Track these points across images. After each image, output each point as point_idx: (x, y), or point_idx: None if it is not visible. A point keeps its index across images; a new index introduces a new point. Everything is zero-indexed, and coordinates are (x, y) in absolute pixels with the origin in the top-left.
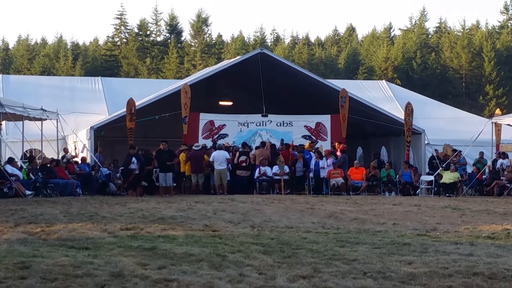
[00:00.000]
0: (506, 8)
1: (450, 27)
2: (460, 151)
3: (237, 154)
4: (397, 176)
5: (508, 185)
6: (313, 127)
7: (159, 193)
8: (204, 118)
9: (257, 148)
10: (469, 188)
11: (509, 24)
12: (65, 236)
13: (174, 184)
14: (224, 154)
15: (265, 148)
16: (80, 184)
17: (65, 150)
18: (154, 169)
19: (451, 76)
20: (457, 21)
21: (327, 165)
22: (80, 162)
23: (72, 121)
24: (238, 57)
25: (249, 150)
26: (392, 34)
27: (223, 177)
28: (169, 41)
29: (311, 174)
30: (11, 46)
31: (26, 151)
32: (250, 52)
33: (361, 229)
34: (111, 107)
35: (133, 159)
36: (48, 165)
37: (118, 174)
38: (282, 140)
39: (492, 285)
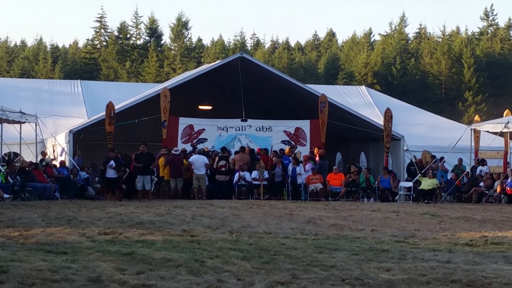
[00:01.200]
0: (487, 15)
1: (430, 32)
2: (443, 157)
3: (217, 158)
4: (376, 182)
5: (487, 192)
6: (293, 132)
7: (137, 197)
8: (184, 122)
9: (236, 153)
10: (447, 194)
11: (489, 31)
12: (43, 240)
13: (153, 190)
14: (203, 159)
15: (245, 153)
16: (58, 188)
17: (43, 154)
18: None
19: (430, 82)
20: (437, 27)
21: (306, 170)
22: (58, 165)
23: (51, 124)
24: (218, 61)
25: (228, 155)
26: (372, 40)
27: (202, 182)
28: (149, 44)
29: (289, 180)
30: None
31: (5, 154)
32: (230, 56)
33: (339, 235)
34: (90, 111)
35: (112, 162)
36: (27, 169)
37: (96, 178)
38: (271, 147)
39: None
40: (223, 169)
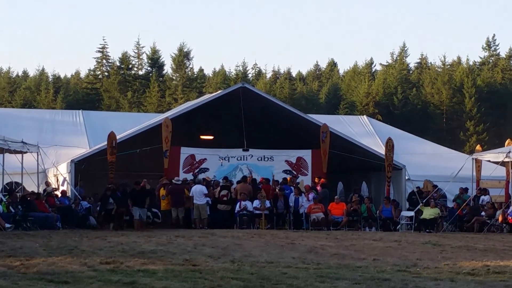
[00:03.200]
0: (488, 45)
1: (431, 62)
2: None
3: (219, 188)
4: (378, 212)
5: (488, 221)
6: (294, 162)
7: (134, 227)
8: (185, 152)
9: (238, 182)
10: (449, 224)
11: (491, 61)
12: (44, 270)
13: (159, 220)
14: (201, 188)
15: (247, 182)
16: (60, 217)
17: (47, 184)
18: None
19: (432, 111)
20: (438, 57)
21: (309, 200)
22: (60, 195)
23: (53, 154)
24: (219, 91)
25: (230, 184)
26: (374, 69)
27: (202, 212)
28: (150, 74)
29: (290, 209)
30: None
31: (6, 184)
32: (231, 86)
33: (341, 265)
34: (92, 140)
35: (110, 200)
36: (28, 198)
37: (98, 208)
38: (273, 176)
39: None
40: (225, 198)
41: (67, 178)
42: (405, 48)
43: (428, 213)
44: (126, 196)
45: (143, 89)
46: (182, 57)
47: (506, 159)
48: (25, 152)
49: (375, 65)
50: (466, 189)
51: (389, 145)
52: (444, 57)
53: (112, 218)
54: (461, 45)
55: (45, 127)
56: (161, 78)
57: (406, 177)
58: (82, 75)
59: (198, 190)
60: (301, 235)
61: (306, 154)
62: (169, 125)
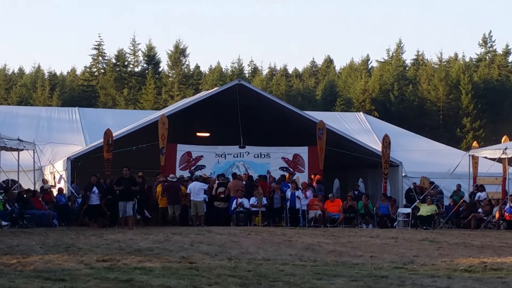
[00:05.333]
0: (485, 41)
1: (427, 59)
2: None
3: (215, 185)
4: (375, 209)
5: (485, 218)
6: (291, 158)
7: (118, 224)
8: (182, 149)
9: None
10: (446, 221)
11: (487, 57)
12: (41, 268)
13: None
14: (200, 185)
15: (238, 179)
16: (56, 215)
17: (44, 181)
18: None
19: (428, 108)
20: (434, 54)
21: (307, 197)
22: (56, 193)
23: (49, 151)
24: (215, 88)
25: (227, 181)
26: (370, 66)
27: (199, 209)
28: (146, 71)
29: (287, 205)
30: None
31: (3, 181)
32: (227, 83)
33: (338, 262)
34: (88, 138)
35: (94, 188)
36: (25, 196)
37: (76, 204)
38: (268, 172)
39: None
40: (222, 195)
41: (64, 176)
42: (402, 45)
43: (425, 210)
44: (111, 187)
45: (139, 86)
46: (178, 54)
47: (503, 156)
48: (21, 150)
49: (371, 62)
50: (459, 186)
51: (386, 141)
52: (441, 53)
53: (94, 214)
54: (457, 41)
55: (41, 125)
56: (157, 75)
57: (403, 174)
58: (78, 72)
59: (196, 187)
60: (298, 232)
61: (303, 151)
62: (166, 122)
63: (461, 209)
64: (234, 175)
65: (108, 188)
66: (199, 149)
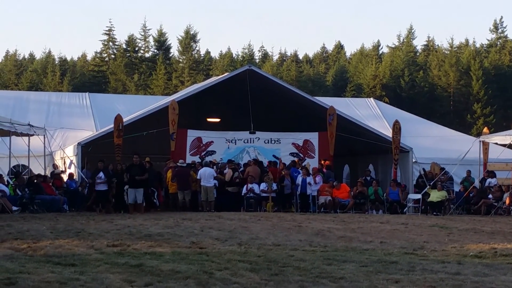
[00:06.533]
0: (496, 27)
1: (438, 45)
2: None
3: (229, 171)
4: (385, 194)
5: (496, 204)
6: (301, 144)
7: (129, 210)
8: (192, 134)
9: (245, 165)
10: (456, 207)
11: (498, 43)
12: (51, 252)
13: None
14: (211, 171)
15: (256, 165)
16: (67, 200)
17: (54, 166)
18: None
19: (439, 94)
20: (445, 39)
21: (316, 183)
22: (67, 178)
23: (60, 136)
24: (226, 74)
25: (237, 167)
26: (380, 52)
27: (210, 194)
28: (157, 57)
29: (297, 192)
30: None
31: (13, 166)
32: (238, 68)
33: (348, 247)
34: (99, 123)
35: (101, 174)
36: (35, 181)
37: (85, 189)
38: (279, 159)
39: None
40: (237, 180)
41: (74, 161)
42: (412, 30)
43: (435, 195)
44: (120, 173)
45: (149, 72)
46: (189, 39)
47: None
48: (32, 135)
49: (382, 48)
50: (469, 172)
51: (396, 127)
52: (452, 39)
53: (103, 198)
54: (468, 27)
55: (52, 110)
56: (167, 61)
57: (413, 160)
58: (89, 57)
59: (207, 173)
60: (307, 217)
61: (313, 137)
62: (176, 108)
63: (471, 195)
64: (255, 160)
65: (115, 173)
66: (209, 135)
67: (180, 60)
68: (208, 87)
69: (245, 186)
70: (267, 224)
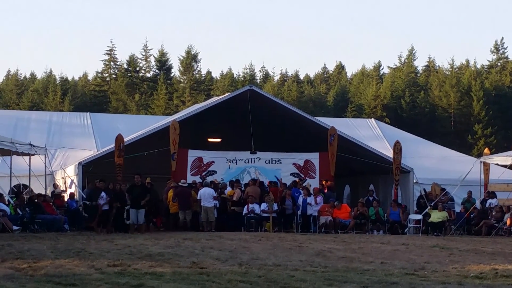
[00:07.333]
0: (497, 48)
1: (438, 65)
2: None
3: (239, 191)
4: (386, 215)
5: (497, 224)
6: (302, 164)
7: (129, 231)
8: (193, 154)
9: (246, 185)
10: (457, 227)
11: (499, 64)
12: (52, 272)
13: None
14: (210, 191)
15: (256, 185)
16: (67, 219)
17: (55, 186)
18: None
19: (439, 115)
20: (446, 60)
21: (317, 203)
22: (68, 198)
23: (60, 156)
24: (227, 94)
25: (240, 187)
26: (382, 72)
27: (210, 215)
28: (158, 77)
29: (298, 212)
30: (0, 80)
31: (14, 186)
32: (239, 89)
33: (349, 268)
34: (100, 143)
35: (103, 193)
36: (36, 200)
37: (80, 208)
38: (280, 179)
39: None
40: (242, 200)
41: (75, 181)
42: (413, 51)
43: (436, 216)
44: (120, 193)
45: (150, 92)
46: (190, 59)
47: None
48: (33, 155)
49: (383, 68)
50: (470, 193)
51: (397, 148)
52: (452, 60)
53: (102, 219)
54: (469, 48)
55: (53, 130)
56: (168, 81)
57: (414, 180)
58: (90, 77)
59: (206, 193)
60: (308, 238)
61: (314, 157)
62: (177, 128)
63: (472, 215)
64: (254, 180)
65: (118, 194)
66: (210, 155)
67: (181, 80)
68: (209, 107)
69: (245, 206)
70: (267, 244)
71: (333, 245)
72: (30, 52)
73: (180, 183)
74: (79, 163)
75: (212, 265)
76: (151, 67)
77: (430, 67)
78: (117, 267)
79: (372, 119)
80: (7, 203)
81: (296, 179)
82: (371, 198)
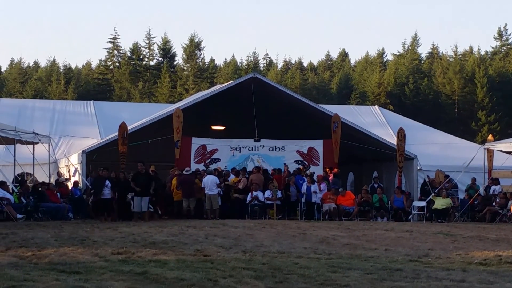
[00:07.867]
0: (500, 34)
1: (442, 52)
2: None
3: (245, 179)
4: (389, 202)
5: (500, 211)
6: (306, 152)
7: (133, 218)
8: (196, 142)
9: (250, 173)
10: (461, 214)
11: (502, 50)
12: (56, 260)
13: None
14: (214, 179)
15: (259, 172)
16: (71, 208)
17: (59, 174)
18: (129, 193)
19: (443, 101)
20: (449, 47)
21: (321, 190)
22: (71, 186)
23: (64, 144)
24: (230, 82)
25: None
26: (385, 59)
27: (214, 202)
28: (161, 65)
29: (302, 199)
30: (3, 69)
31: (18, 174)
32: (242, 76)
33: (353, 255)
34: (103, 131)
35: (107, 182)
36: (40, 189)
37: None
38: (286, 166)
39: None
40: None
41: (79, 169)
42: (417, 38)
43: (440, 203)
44: (125, 182)
45: (154, 80)
46: (193, 47)
47: None
48: (37, 143)
49: (386, 55)
50: (474, 180)
51: (401, 135)
52: (456, 47)
53: (106, 208)
54: (472, 34)
55: (56, 118)
56: (172, 69)
57: (418, 167)
58: (93, 65)
59: (210, 181)
60: (312, 225)
61: (318, 144)
62: (180, 116)
63: (476, 202)
64: (258, 168)
65: (122, 182)
66: (214, 142)
67: (185, 68)
68: (213, 95)
69: (249, 194)
70: (271, 232)
71: (337, 232)
72: (33, 40)
73: (184, 171)
74: (82, 151)
75: (216, 253)
76: (155, 55)
77: (434, 54)
78: (121, 255)
79: (376, 106)
80: (11, 191)
81: (300, 166)
82: (375, 185)
